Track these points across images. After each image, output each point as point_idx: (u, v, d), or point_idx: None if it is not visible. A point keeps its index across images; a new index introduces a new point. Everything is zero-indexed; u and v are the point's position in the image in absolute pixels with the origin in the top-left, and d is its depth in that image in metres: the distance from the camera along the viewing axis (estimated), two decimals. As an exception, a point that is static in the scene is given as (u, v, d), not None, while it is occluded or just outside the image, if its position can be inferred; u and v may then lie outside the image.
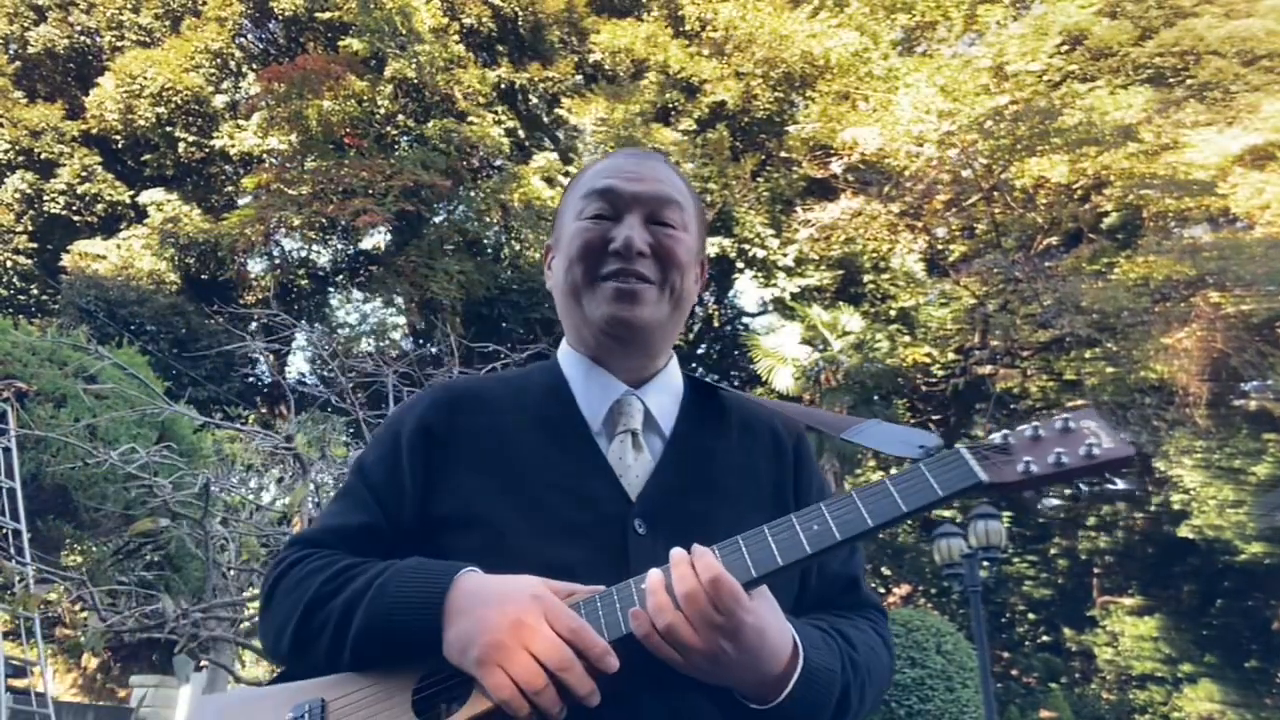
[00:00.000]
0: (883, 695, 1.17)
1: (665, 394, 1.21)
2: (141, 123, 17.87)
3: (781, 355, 15.30)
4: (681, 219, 1.20)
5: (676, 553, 0.92)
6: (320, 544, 1.13)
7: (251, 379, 19.23)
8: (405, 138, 18.43)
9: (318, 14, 18.56)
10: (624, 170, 1.20)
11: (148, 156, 18.74)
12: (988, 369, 16.74)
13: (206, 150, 18.50)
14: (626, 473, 1.12)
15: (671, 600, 0.90)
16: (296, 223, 16.65)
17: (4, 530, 7.67)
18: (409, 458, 1.13)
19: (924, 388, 17.79)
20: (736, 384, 20.51)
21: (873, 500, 0.93)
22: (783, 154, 17.66)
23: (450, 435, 1.14)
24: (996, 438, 0.96)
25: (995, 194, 16.11)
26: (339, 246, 19.40)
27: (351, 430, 8.19)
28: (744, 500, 1.02)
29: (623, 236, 1.14)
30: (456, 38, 18.21)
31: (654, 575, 0.92)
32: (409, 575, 1.00)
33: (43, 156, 18.10)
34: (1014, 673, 19.21)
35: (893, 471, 1.08)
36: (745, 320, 20.62)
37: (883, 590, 20.22)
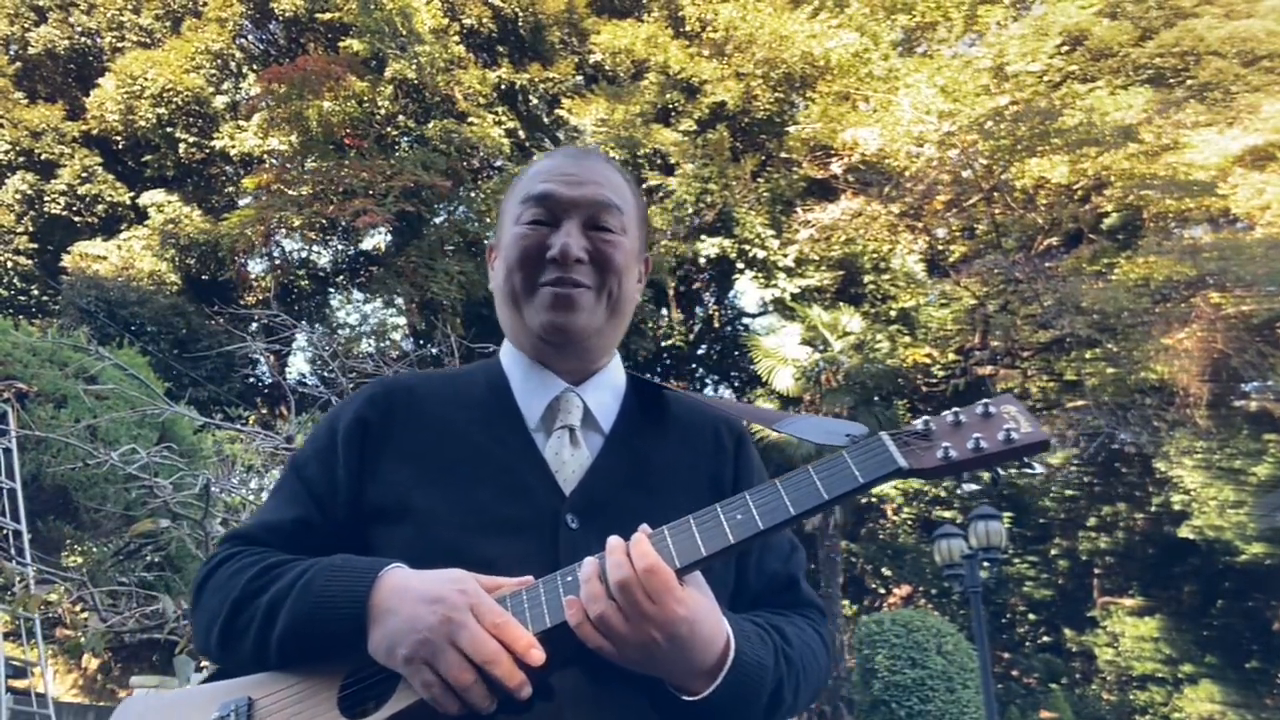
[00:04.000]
0: (820, 692, 1.16)
1: (606, 391, 1.21)
2: (142, 123, 17.87)
3: (782, 356, 15.30)
4: (620, 223, 1.18)
5: (613, 541, 0.92)
6: (253, 540, 1.13)
7: (252, 380, 19.25)
8: (405, 138, 18.44)
9: (318, 15, 18.56)
10: (562, 173, 1.19)
11: (148, 157, 18.75)
12: (988, 370, 16.74)
13: (207, 151, 18.50)
14: (562, 468, 1.12)
15: (605, 589, 0.89)
16: (297, 223, 16.65)
17: (4, 531, 7.67)
18: (344, 451, 1.13)
19: (924, 388, 17.80)
20: (737, 384, 20.53)
21: (796, 488, 0.94)
22: (783, 154, 17.66)
23: (386, 429, 1.14)
24: (919, 424, 0.97)
25: (995, 194, 16.12)
26: (339, 247, 19.40)
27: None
28: (681, 500, 1.01)
29: (559, 244, 1.13)
30: (457, 38, 18.22)
31: (588, 563, 0.92)
32: (332, 574, 1.00)
33: (43, 157, 18.12)
34: (1014, 673, 19.21)
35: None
36: (745, 321, 20.63)
37: (883, 591, 20.22)
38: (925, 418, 0.98)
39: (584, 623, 0.90)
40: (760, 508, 0.93)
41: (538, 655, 0.89)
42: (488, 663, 0.88)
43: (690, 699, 0.95)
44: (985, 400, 0.97)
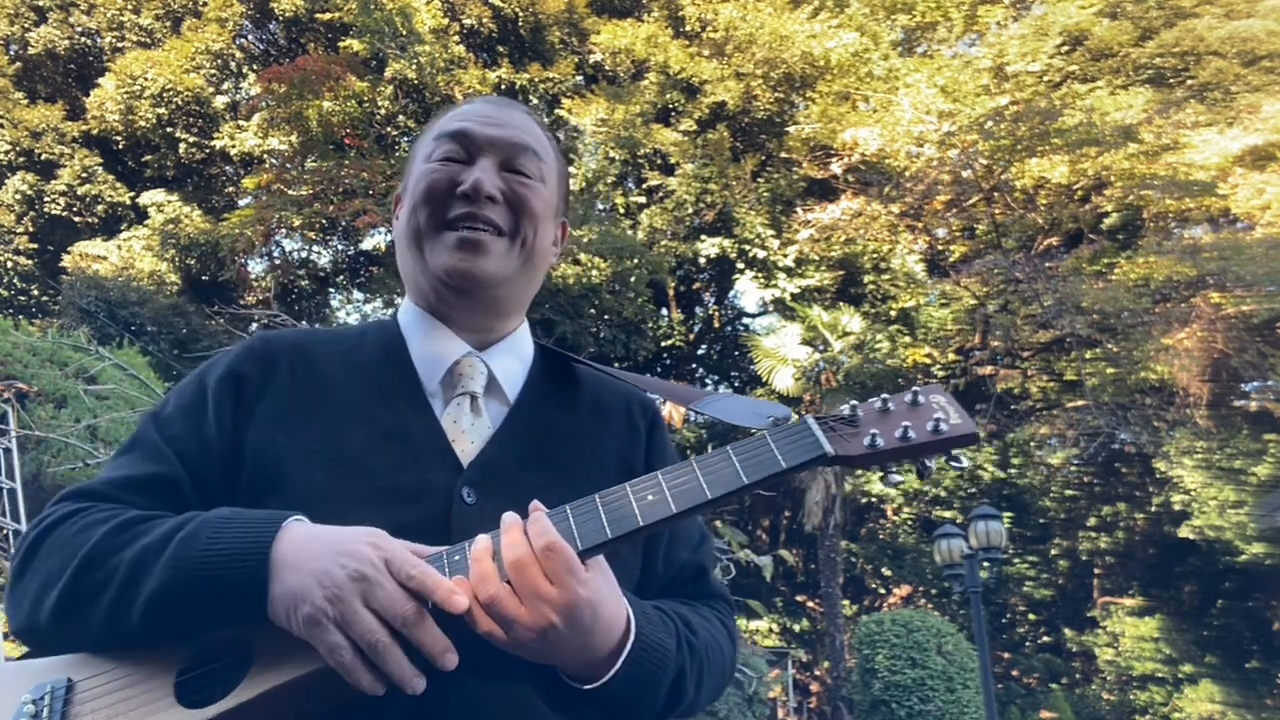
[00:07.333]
0: (724, 688, 1.09)
1: (513, 358, 1.13)
2: (142, 124, 17.87)
3: (782, 356, 15.30)
4: (539, 169, 1.11)
5: (509, 517, 0.85)
6: (100, 498, 0.97)
7: (252, 380, 19.23)
8: (406, 138, 18.43)
9: (318, 15, 18.56)
10: (481, 114, 1.12)
11: (148, 157, 18.75)
12: (988, 369, 16.75)
13: (207, 151, 18.50)
14: (460, 437, 1.03)
15: (498, 569, 0.82)
16: (297, 223, 16.65)
17: (4, 531, 7.67)
18: (215, 405, 1.01)
19: (924, 388, 17.78)
20: (737, 385, 20.53)
21: (713, 470, 0.87)
22: (783, 154, 17.66)
23: (264, 386, 1.02)
24: (845, 409, 0.93)
25: (996, 194, 16.11)
26: (339, 247, 19.41)
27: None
28: (587, 477, 0.94)
29: (472, 179, 1.05)
30: (457, 38, 18.22)
31: (480, 540, 0.84)
32: (222, 524, 0.87)
33: (43, 157, 18.11)
34: (1015, 673, 19.21)
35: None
36: (746, 321, 20.63)
37: (883, 591, 20.22)
38: (853, 402, 0.94)
39: (472, 605, 0.81)
40: (674, 489, 0.87)
41: (460, 601, 0.80)
42: (406, 625, 0.79)
43: (587, 687, 0.88)
44: (914, 388, 0.93)
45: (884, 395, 0.93)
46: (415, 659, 0.81)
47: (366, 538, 0.84)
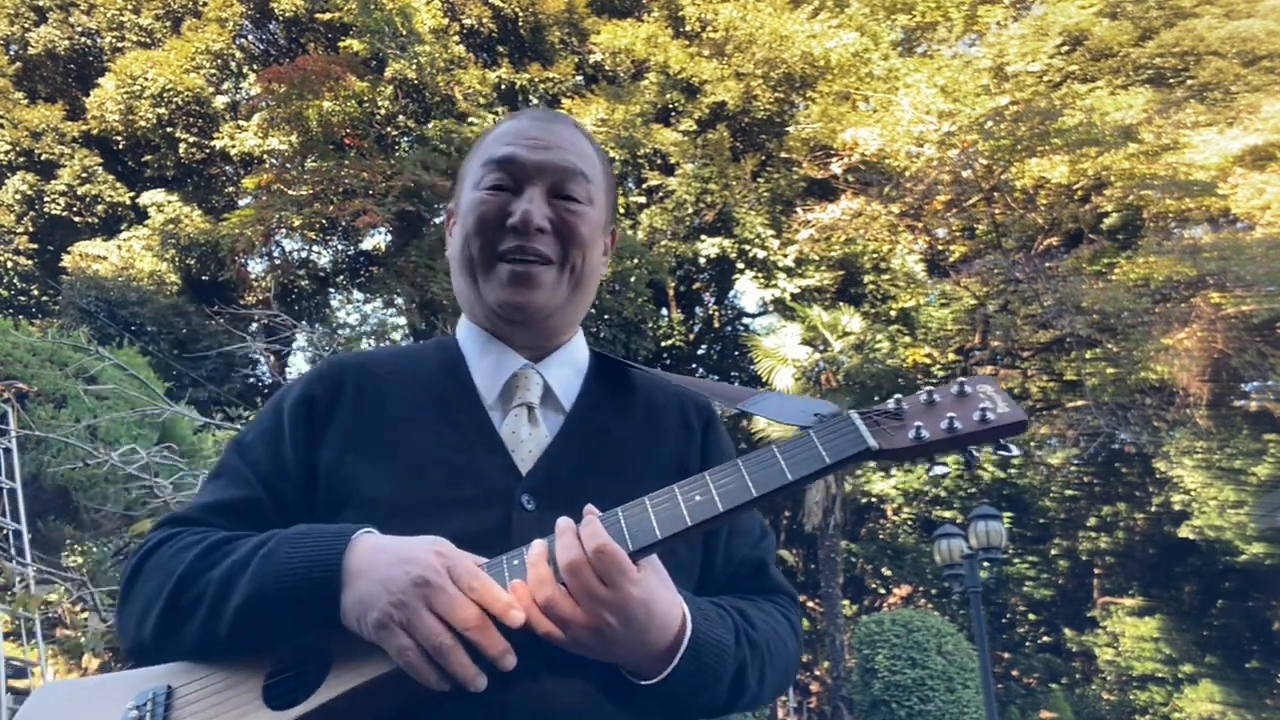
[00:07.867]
0: (789, 681, 1.11)
1: (568, 368, 1.16)
2: (142, 124, 17.88)
3: (782, 356, 15.30)
4: (587, 191, 1.13)
5: (563, 522, 0.89)
6: (194, 523, 1.04)
7: (252, 379, 19.24)
8: (406, 138, 18.44)
9: (318, 15, 18.57)
10: (527, 136, 1.13)
11: (148, 157, 18.75)
12: (988, 370, 16.73)
13: (207, 151, 18.51)
14: (519, 447, 1.07)
15: (553, 572, 0.86)
16: (297, 223, 16.65)
17: (4, 531, 7.67)
18: (291, 430, 1.07)
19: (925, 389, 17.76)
20: (737, 385, 20.53)
21: (759, 468, 0.90)
22: (783, 154, 17.66)
23: (334, 408, 1.08)
24: (890, 403, 0.93)
25: (996, 194, 16.11)
26: (339, 247, 19.40)
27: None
28: (643, 481, 0.96)
29: (521, 211, 1.08)
30: (457, 38, 18.22)
31: (536, 545, 0.88)
32: (298, 540, 0.93)
33: (43, 157, 18.12)
34: (1015, 673, 19.21)
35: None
36: (746, 321, 20.63)
37: (883, 591, 20.22)
38: (897, 396, 0.94)
39: (531, 607, 0.86)
40: (720, 488, 0.89)
41: (517, 616, 0.84)
42: (467, 628, 0.83)
43: (647, 683, 0.91)
44: (960, 379, 0.93)
45: (929, 387, 0.94)
46: (477, 659, 0.85)
47: (431, 546, 0.89)
